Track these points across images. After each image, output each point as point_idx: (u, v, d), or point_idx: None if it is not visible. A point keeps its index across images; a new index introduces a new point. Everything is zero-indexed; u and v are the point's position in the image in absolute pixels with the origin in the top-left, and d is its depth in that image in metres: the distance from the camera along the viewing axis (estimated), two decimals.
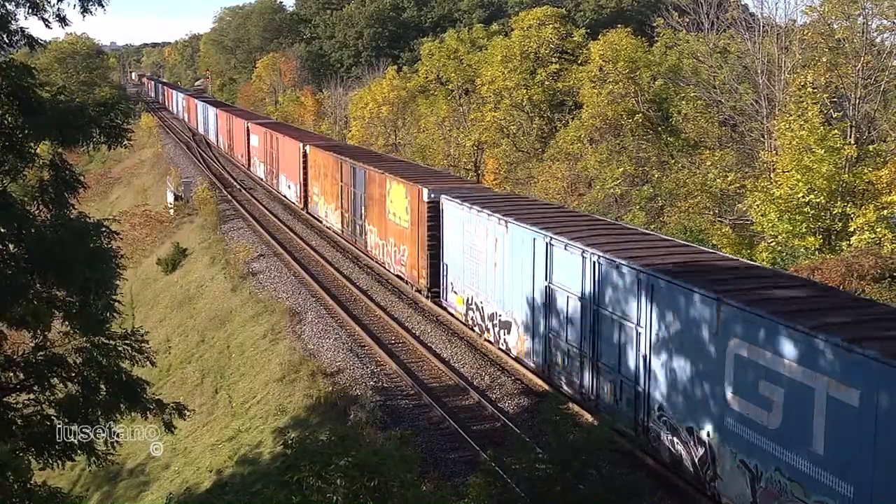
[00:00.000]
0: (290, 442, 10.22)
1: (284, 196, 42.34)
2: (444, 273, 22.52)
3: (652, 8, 67.20)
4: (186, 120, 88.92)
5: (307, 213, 37.86)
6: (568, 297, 16.56)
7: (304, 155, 37.10)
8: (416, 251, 24.08)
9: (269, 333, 23.91)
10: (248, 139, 51.75)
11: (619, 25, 40.59)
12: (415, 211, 23.95)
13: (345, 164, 31.38)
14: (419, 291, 24.41)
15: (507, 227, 18.78)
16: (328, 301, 25.27)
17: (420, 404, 17.98)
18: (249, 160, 52.46)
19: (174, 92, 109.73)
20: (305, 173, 37.26)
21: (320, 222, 35.74)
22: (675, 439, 13.64)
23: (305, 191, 37.62)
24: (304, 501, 9.19)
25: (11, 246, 11.63)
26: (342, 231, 32.00)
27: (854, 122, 25.94)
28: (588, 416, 15.92)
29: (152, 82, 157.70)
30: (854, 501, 9.98)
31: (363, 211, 29.09)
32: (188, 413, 13.28)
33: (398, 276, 26.16)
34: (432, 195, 22.98)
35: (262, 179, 47.99)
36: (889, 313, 11.78)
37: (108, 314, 12.20)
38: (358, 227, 29.78)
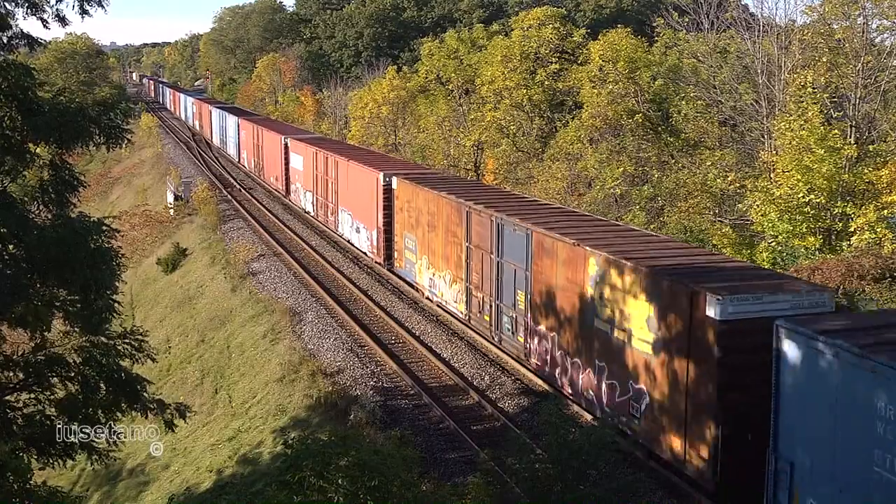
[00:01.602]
0: (290, 442, 10.23)
1: (349, 241, 31.42)
2: (784, 474, 11.13)
3: (652, 8, 67.22)
4: (198, 129, 78.19)
5: (389, 270, 27.27)
6: None
7: (388, 190, 26.64)
8: (682, 406, 13.20)
9: (269, 333, 23.91)
10: (287, 159, 41.01)
11: (619, 25, 40.57)
12: (676, 334, 13.26)
13: (477, 214, 20.32)
14: (676, 468, 13.79)
15: None
16: (328, 301, 25.26)
17: (420, 404, 17.99)
18: (288, 186, 41.32)
19: (182, 95, 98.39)
20: (389, 215, 26.69)
21: (417, 290, 25.11)
22: None
23: (388, 241, 26.96)
24: (306, 501, 9.20)
25: (11, 246, 11.63)
26: (467, 316, 21.34)
27: (854, 122, 25.92)
28: (587, 416, 15.92)
29: (155, 83, 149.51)
30: None
31: (524, 300, 18.17)
32: (189, 413, 13.28)
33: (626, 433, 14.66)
34: (733, 310, 12.22)
35: (309, 213, 37.41)
36: None
37: (108, 314, 12.21)
38: (509, 320, 19.14)
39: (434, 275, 23.48)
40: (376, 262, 28.46)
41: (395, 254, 26.63)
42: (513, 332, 19.04)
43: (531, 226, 17.85)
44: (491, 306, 19.93)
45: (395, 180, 26.30)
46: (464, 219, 21.09)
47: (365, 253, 29.63)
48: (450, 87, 51.80)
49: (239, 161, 56.16)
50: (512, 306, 18.94)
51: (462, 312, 21.64)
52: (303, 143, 38.85)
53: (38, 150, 11.80)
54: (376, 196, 27.26)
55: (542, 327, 17.68)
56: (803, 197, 22.98)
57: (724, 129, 32.51)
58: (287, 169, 40.98)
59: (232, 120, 58.05)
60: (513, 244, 18.66)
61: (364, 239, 29.45)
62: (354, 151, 36.22)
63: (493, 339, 20.01)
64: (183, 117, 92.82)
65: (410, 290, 25.54)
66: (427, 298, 24.24)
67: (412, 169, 30.67)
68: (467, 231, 20.98)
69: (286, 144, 41.00)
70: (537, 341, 17.89)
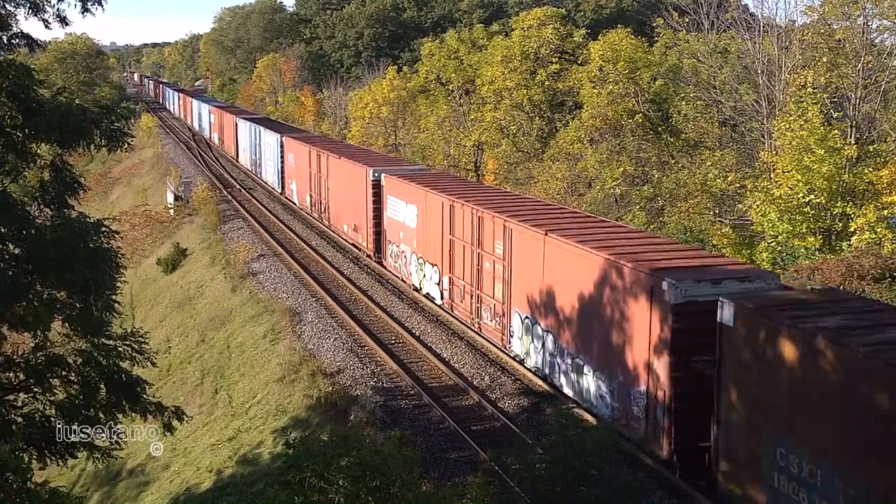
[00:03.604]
0: (292, 442, 10.24)
1: (548, 380, 17.64)
2: None
3: (652, 8, 67.26)
4: (217, 143, 66.35)
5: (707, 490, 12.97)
6: None
7: (684, 315, 13.32)
8: None
9: (269, 333, 23.91)
10: (379, 205, 27.31)
11: (619, 25, 40.59)
12: None
13: None
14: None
15: None
16: (328, 301, 25.26)
17: (420, 404, 17.98)
18: (381, 246, 27.46)
19: (195, 101, 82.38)
20: (683, 363, 13.41)
21: None
22: None
23: (685, 418, 13.40)
24: (307, 502, 9.21)
25: (11, 246, 11.65)
26: None
27: (854, 122, 25.94)
28: (588, 417, 15.92)
29: (157, 85, 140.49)
30: None
31: None
32: (187, 417, 13.30)
33: None
34: None
35: (434, 300, 23.42)
36: None
37: (107, 314, 12.23)
38: None
39: None
40: (636, 442, 14.47)
41: (727, 468, 12.41)
42: None
43: None
44: None
45: (728, 308, 12.15)
46: None
47: (601, 416, 15.44)
48: (450, 88, 51.84)
49: (283, 192, 42.53)
50: None
51: None
52: (420, 184, 24.21)
53: (38, 151, 11.82)
54: (648, 320, 13.78)
55: None
56: (803, 197, 23.00)
57: (724, 129, 32.53)
58: (379, 220, 27.40)
59: (271, 138, 44.15)
60: None
61: (597, 387, 15.55)
62: (547, 212, 20.47)
63: None
64: (196, 127, 78.25)
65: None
66: None
67: (736, 269, 14.64)
68: None
69: (378, 182, 27.26)
70: None
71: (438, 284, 22.97)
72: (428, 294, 23.79)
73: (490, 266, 19.93)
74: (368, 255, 29.00)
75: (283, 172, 42.18)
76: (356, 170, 29.39)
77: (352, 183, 29.93)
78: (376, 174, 27.55)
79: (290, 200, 41.08)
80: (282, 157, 41.92)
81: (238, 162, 56.20)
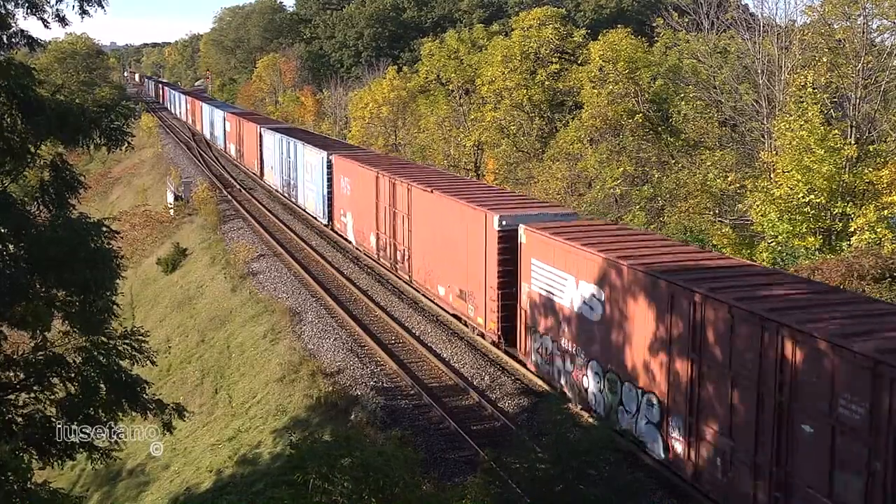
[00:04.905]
0: (296, 442, 10.25)
1: None
2: None
3: (652, 8, 67.30)
4: (234, 156, 58.13)
5: None
6: None
7: None
8: None
9: (269, 333, 23.91)
10: (514, 266, 18.58)
11: (619, 26, 40.59)
12: None
13: None
14: None
15: None
16: (328, 301, 25.26)
17: (420, 404, 17.99)
18: (519, 331, 18.79)
19: (206, 106, 72.12)
20: None
21: None
22: None
23: None
24: (311, 502, 9.21)
25: (11, 246, 11.63)
26: None
27: (854, 122, 25.93)
28: (587, 416, 15.92)
29: (159, 86, 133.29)
30: None
31: None
32: (188, 414, 13.29)
33: None
34: None
35: (677, 467, 13.56)
36: None
37: (107, 314, 12.22)
38: None
39: None
40: None
41: None
42: None
43: None
44: None
45: None
46: None
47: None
48: (450, 88, 51.83)
49: (330, 225, 34.14)
50: None
51: None
52: (601, 250, 15.57)
53: (39, 151, 11.80)
54: None
55: None
56: (803, 197, 23.00)
57: (724, 129, 32.54)
58: (513, 292, 18.82)
59: (314, 156, 35.46)
60: None
61: None
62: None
63: None
64: (208, 136, 69.90)
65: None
66: None
67: None
68: None
69: (509, 235, 18.72)
70: None
71: (659, 427, 14.04)
72: (625, 430, 14.79)
73: (817, 431, 10.76)
74: (480, 334, 20.59)
75: (331, 200, 33.45)
76: (467, 212, 20.52)
77: (458, 230, 21.11)
78: (506, 223, 18.79)
79: (341, 236, 32.49)
80: (330, 180, 33.29)
81: (263, 181, 47.47)
